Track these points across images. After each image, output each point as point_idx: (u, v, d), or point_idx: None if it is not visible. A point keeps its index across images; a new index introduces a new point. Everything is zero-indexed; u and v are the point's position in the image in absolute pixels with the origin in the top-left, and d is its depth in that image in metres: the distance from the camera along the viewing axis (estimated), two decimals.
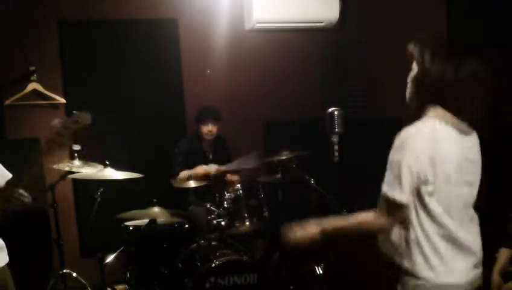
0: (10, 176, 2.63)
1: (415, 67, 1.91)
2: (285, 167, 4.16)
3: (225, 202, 3.82)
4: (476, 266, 1.91)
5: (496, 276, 3.05)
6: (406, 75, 2.00)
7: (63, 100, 4.44)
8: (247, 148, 4.33)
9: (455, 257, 1.83)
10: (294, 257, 4.03)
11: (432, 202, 1.79)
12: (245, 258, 3.56)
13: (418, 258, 1.82)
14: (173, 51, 4.76)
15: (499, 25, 3.90)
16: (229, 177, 4.29)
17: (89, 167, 3.66)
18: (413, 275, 1.83)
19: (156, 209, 3.63)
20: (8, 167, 2.65)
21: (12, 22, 4.29)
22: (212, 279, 3.41)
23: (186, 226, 3.82)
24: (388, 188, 1.79)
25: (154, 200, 3.65)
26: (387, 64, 4.47)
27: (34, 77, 4.29)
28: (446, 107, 1.81)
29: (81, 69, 4.55)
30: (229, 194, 3.84)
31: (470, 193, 1.89)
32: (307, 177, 4.03)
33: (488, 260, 3.12)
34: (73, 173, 3.59)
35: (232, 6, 4.75)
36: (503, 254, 3.09)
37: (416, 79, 1.90)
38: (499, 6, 3.88)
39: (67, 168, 3.58)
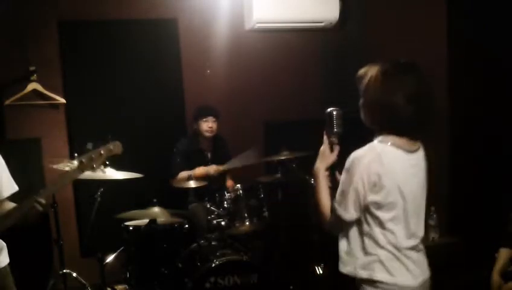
0: (17, 189, 2.62)
1: (363, 93, 1.99)
2: (285, 167, 4.16)
3: (225, 202, 3.83)
4: (424, 272, 2.03)
5: (495, 276, 3.05)
6: None
7: (63, 100, 4.44)
8: (247, 148, 4.31)
9: (406, 262, 1.95)
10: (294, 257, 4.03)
11: (381, 215, 1.91)
12: (245, 258, 3.56)
13: (374, 265, 1.94)
14: (173, 51, 4.76)
15: (499, 25, 3.89)
16: (228, 183, 4.36)
17: None
18: (370, 280, 1.94)
19: (156, 209, 3.63)
20: (8, 167, 2.65)
21: (12, 22, 4.29)
22: (212, 279, 3.42)
23: (186, 226, 3.82)
24: (337, 204, 1.95)
25: (154, 200, 3.65)
26: None
27: (34, 77, 4.29)
28: (395, 131, 1.92)
29: (81, 69, 4.54)
30: (229, 194, 3.85)
31: (417, 205, 2.00)
32: (307, 177, 4.04)
33: (488, 260, 3.14)
34: None
35: (232, 6, 4.75)
36: (503, 254, 3.10)
37: (366, 105, 1.99)
38: (499, 6, 3.88)
39: (67, 168, 3.58)
